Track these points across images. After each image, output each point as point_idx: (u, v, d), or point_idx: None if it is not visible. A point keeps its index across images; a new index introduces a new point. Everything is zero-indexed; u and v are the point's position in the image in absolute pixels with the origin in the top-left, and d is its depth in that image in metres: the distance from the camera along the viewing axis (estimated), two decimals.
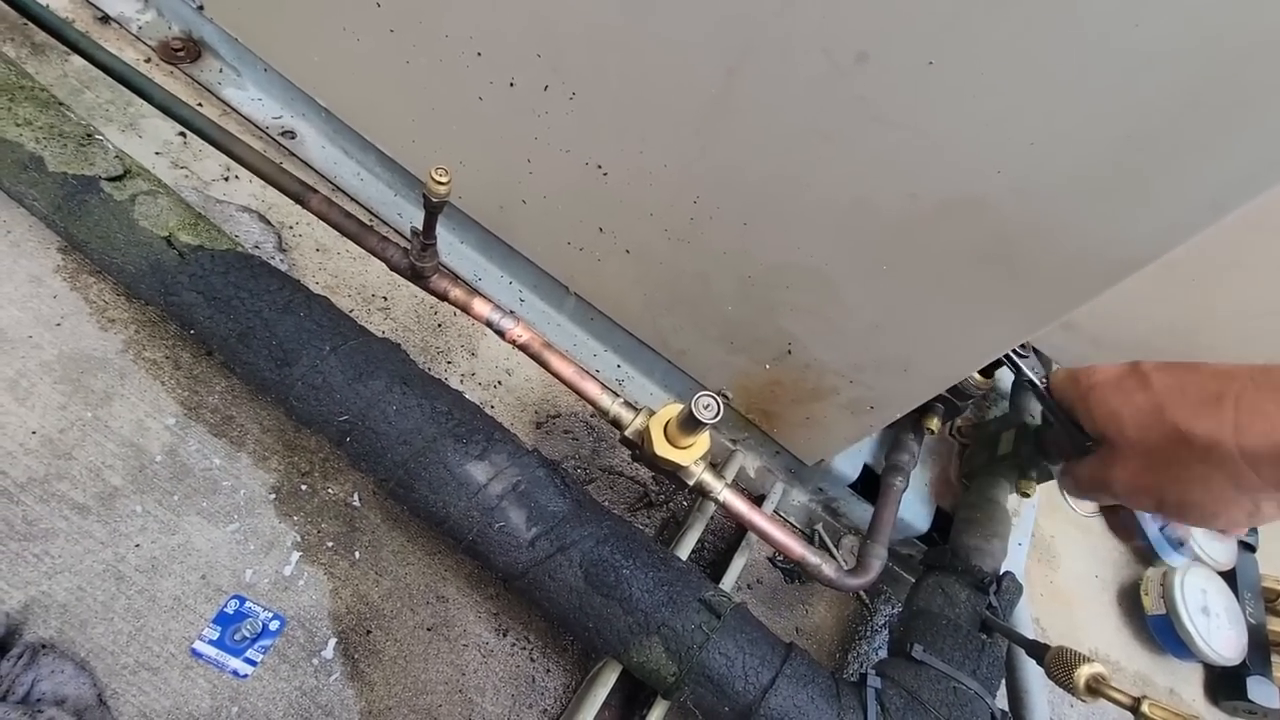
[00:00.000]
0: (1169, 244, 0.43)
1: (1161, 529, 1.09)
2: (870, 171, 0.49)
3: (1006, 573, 0.69)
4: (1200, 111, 0.37)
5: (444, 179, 0.50)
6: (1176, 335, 0.76)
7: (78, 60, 0.80)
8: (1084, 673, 0.54)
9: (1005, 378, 0.88)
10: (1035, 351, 0.72)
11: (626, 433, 0.61)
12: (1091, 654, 0.56)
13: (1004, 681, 0.71)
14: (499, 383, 0.82)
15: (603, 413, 0.63)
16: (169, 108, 0.70)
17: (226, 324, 0.58)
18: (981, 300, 0.52)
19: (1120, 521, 1.14)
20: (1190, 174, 0.40)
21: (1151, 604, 1.02)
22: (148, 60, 0.87)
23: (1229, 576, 1.06)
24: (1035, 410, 0.77)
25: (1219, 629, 0.97)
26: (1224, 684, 1.02)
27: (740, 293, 0.64)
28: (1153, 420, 0.51)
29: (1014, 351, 0.67)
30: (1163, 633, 1.00)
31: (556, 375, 0.64)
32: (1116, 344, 0.81)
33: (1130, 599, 1.06)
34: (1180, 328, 0.74)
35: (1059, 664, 0.56)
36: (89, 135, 0.63)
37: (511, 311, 0.64)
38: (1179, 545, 1.08)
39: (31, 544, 0.57)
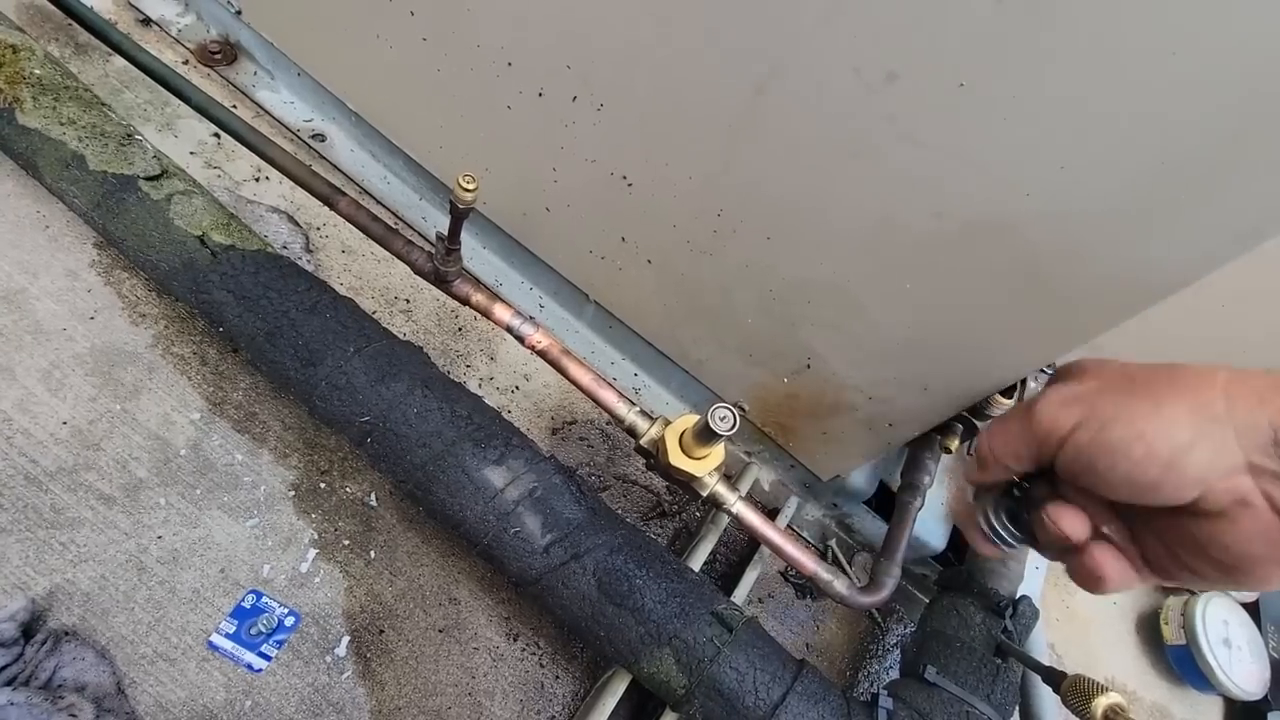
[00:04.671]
0: (1202, 270, 0.42)
1: None
2: (897, 190, 0.49)
3: (1023, 596, 0.68)
4: (1237, 140, 0.37)
5: (471, 185, 0.50)
6: (1204, 361, 0.75)
7: (119, 61, 0.82)
8: (1101, 703, 0.53)
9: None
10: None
11: (642, 441, 0.61)
12: (1108, 683, 0.55)
13: (1016, 708, 0.69)
14: (516, 388, 0.82)
15: (619, 421, 0.63)
16: (206, 109, 0.71)
17: (255, 323, 0.59)
18: (1005, 321, 0.52)
19: None
20: (1226, 201, 0.39)
21: (1171, 634, 0.99)
22: (185, 62, 0.89)
23: (1252, 609, 1.03)
24: None
25: (1240, 662, 0.94)
26: (1245, 719, 0.99)
27: (761, 306, 0.64)
28: None
29: (1041, 371, 0.67)
30: (1182, 664, 0.98)
31: (574, 382, 0.64)
32: None
33: (1149, 627, 1.04)
34: (1210, 352, 0.73)
35: (1076, 692, 0.55)
36: (129, 135, 0.65)
37: (531, 318, 0.65)
38: None
39: (58, 532, 0.59)
